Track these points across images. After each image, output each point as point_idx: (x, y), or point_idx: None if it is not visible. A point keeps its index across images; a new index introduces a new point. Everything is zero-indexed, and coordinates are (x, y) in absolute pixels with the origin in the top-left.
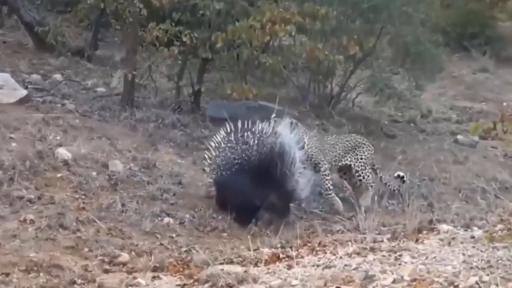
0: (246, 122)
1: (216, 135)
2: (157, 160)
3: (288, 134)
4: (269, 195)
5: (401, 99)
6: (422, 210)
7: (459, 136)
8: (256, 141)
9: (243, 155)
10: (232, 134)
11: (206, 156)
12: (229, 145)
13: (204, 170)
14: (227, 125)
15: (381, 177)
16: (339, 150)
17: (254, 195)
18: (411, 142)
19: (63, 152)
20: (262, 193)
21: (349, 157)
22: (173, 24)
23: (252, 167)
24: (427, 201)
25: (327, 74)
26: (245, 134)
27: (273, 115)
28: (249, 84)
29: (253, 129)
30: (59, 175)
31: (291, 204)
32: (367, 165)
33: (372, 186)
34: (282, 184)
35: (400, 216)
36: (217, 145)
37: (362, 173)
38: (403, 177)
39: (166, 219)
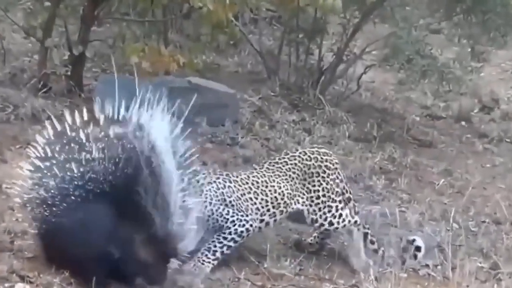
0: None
1: (37, 140)
2: (4, 180)
3: (162, 130)
4: (126, 244)
5: (445, 78)
6: (480, 277)
7: None
8: (103, 147)
9: (85, 174)
10: (64, 136)
11: (17, 185)
12: (59, 157)
13: (14, 209)
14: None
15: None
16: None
17: (100, 244)
18: (460, 154)
19: None
20: (115, 240)
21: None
22: None
23: (99, 193)
24: (488, 261)
25: (314, 32)
26: (84, 134)
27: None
28: (171, 47)
29: (104, 124)
30: None
31: (172, 261)
32: (333, 198)
33: (356, 221)
34: (151, 222)
35: None
36: (38, 162)
37: (327, 218)
38: (418, 247)
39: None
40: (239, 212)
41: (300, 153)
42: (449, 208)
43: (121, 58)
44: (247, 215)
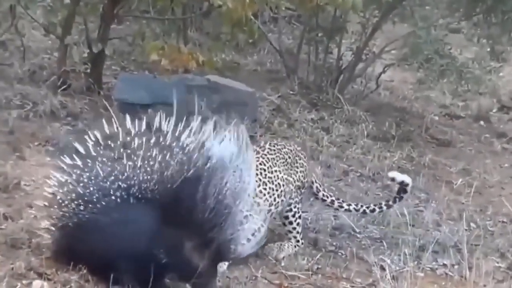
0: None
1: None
2: (23, 177)
3: (225, 146)
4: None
5: (464, 78)
6: (497, 277)
7: None
8: (156, 155)
9: (130, 177)
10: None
11: (54, 179)
12: (101, 159)
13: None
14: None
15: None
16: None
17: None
18: (479, 154)
19: None
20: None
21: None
22: None
23: (144, 198)
24: (505, 261)
25: (333, 30)
26: (135, 141)
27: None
28: (191, 45)
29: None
30: None
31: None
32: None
33: (298, 241)
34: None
35: (459, 287)
36: (76, 160)
37: (295, 214)
38: (406, 184)
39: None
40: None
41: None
42: (467, 208)
43: (141, 56)
44: None
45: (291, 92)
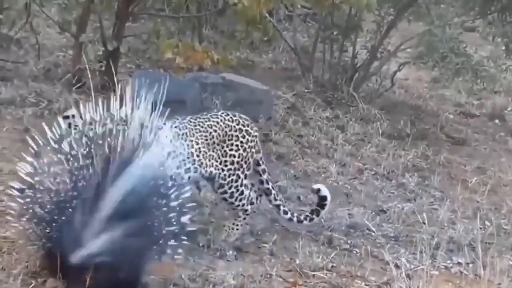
0: None
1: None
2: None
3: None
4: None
5: (479, 76)
6: None
7: None
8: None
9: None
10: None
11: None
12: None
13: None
14: None
15: (269, 190)
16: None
17: None
18: (494, 153)
19: None
20: None
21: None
22: None
23: None
24: None
25: (348, 29)
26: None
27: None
28: (205, 43)
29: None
30: None
31: None
32: (244, 170)
33: (246, 211)
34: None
35: (473, 285)
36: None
37: (231, 187)
38: (323, 196)
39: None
40: None
41: (222, 113)
42: (482, 206)
43: (156, 54)
44: None
45: (306, 90)
